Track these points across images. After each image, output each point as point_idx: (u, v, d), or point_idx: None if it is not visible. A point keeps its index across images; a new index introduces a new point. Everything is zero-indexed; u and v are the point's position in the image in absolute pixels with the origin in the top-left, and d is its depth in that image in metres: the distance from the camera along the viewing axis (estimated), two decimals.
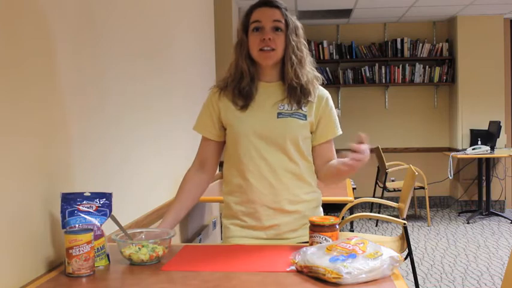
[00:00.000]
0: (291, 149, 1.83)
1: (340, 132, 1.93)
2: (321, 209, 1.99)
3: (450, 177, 6.80)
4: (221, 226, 2.02)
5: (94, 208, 1.63)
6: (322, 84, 1.93)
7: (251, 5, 1.87)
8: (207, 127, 1.93)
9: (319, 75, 1.91)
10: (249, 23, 1.83)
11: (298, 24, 1.88)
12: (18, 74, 1.48)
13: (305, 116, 1.85)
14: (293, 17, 1.87)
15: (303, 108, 1.84)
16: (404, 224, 3.40)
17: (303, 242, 1.85)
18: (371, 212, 6.66)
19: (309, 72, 1.87)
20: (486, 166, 6.70)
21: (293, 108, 1.83)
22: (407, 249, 3.44)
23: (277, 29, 1.81)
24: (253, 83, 1.86)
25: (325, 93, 1.92)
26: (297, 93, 1.83)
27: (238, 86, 1.85)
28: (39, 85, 1.59)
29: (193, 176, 1.95)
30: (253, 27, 1.82)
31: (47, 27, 1.66)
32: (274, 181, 1.83)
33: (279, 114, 1.83)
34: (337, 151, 1.91)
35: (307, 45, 1.90)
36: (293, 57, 1.82)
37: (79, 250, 1.48)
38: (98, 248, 1.58)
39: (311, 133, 1.90)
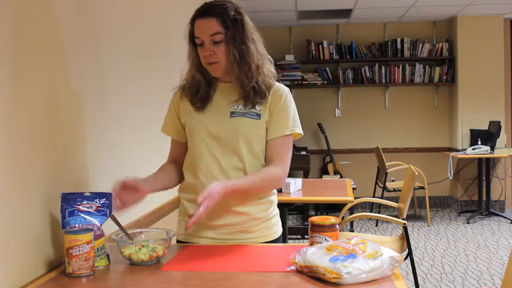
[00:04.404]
0: (244, 149, 1.80)
1: (295, 131, 1.84)
2: (277, 211, 1.94)
3: (450, 177, 6.80)
4: None
5: (94, 208, 1.63)
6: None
7: (192, 15, 1.82)
8: (172, 129, 1.93)
9: (274, 71, 1.86)
10: (193, 36, 1.79)
11: (245, 19, 1.78)
12: (20, 74, 1.48)
13: (259, 115, 1.81)
14: (238, 14, 1.77)
15: (256, 107, 1.80)
16: (404, 224, 3.40)
17: (265, 242, 1.84)
18: (371, 212, 6.65)
19: (262, 70, 1.81)
20: (486, 166, 6.70)
21: (247, 108, 1.80)
22: (407, 249, 3.44)
23: (215, 41, 1.75)
24: (211, 86, 1.84)
25: (281, 89, 1.85)
26: (250, 94, 1.80)
27: (196, 92, 1.84)
28: (40, 85, 1.59)
29: (165, 164, 1.95)
30: (196, 42, 1.79)
31: (47, 28, 1.66)
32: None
33: (231, 113, 1.81)
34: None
35: (257, 40, 1.81)
36: (234, 65, 1.77)
37: (79, 250, 1.48)
38: (98, 248, 1.59)
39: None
